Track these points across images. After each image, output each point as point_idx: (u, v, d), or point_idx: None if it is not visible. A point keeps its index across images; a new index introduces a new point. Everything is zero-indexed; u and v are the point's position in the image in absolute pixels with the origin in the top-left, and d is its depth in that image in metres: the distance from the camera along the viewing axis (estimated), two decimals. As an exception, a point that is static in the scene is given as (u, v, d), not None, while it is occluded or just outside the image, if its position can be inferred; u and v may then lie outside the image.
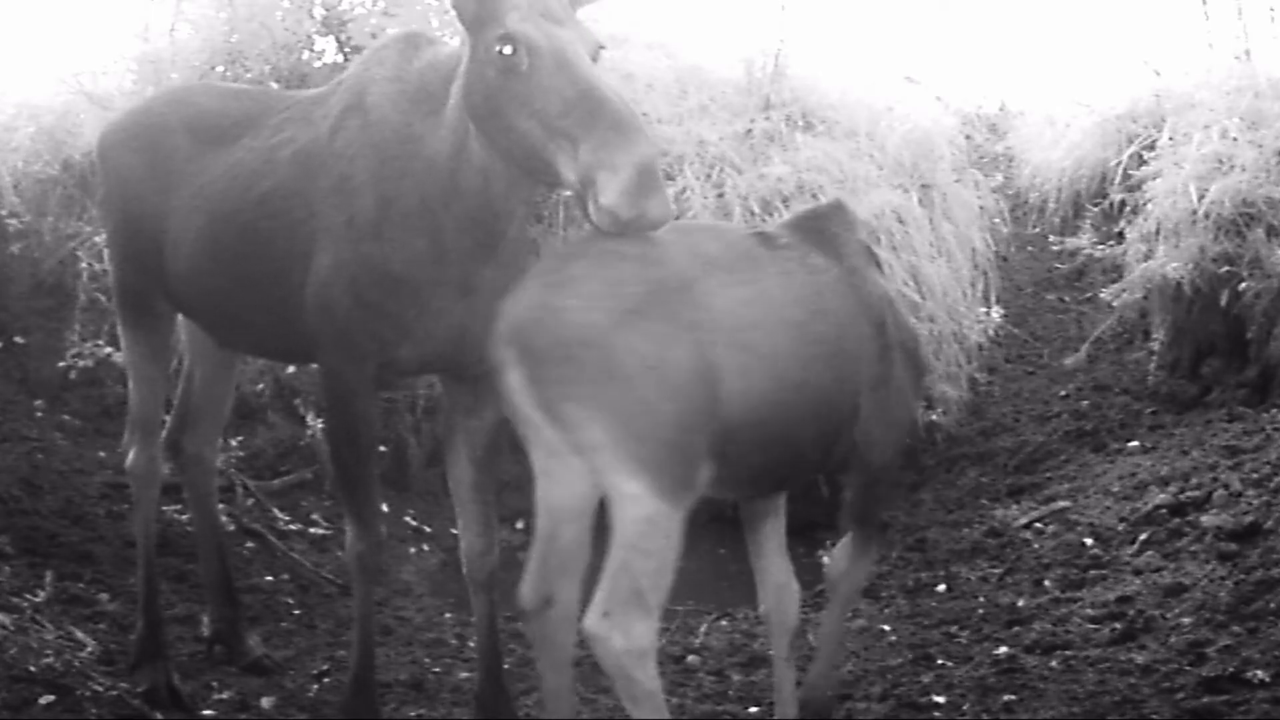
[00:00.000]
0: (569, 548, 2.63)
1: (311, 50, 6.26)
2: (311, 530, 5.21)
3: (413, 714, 3.51)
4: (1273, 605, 3.65)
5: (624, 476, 2.39)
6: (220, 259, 3.22)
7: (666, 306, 2.45)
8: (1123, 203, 6.83)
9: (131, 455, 3.63)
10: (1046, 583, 4.38)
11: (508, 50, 2.54)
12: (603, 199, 2.38)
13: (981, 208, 6.86)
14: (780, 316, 2.66)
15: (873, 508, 3.09)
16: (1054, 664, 3.62)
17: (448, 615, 4.56)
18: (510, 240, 2.94)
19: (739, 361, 2.52)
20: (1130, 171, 6.90)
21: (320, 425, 5.37)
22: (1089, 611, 4.00)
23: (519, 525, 5.68)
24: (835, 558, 3.10)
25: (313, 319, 3.00)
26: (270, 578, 4.66)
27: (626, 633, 2.38)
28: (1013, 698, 3.40)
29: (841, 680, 3.70)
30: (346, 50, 6.12)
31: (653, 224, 2.42)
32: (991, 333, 6.60)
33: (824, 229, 2.95)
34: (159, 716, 3.30)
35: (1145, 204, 6.37)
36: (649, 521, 2.40)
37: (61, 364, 5.63)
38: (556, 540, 2.62)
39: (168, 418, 3.82)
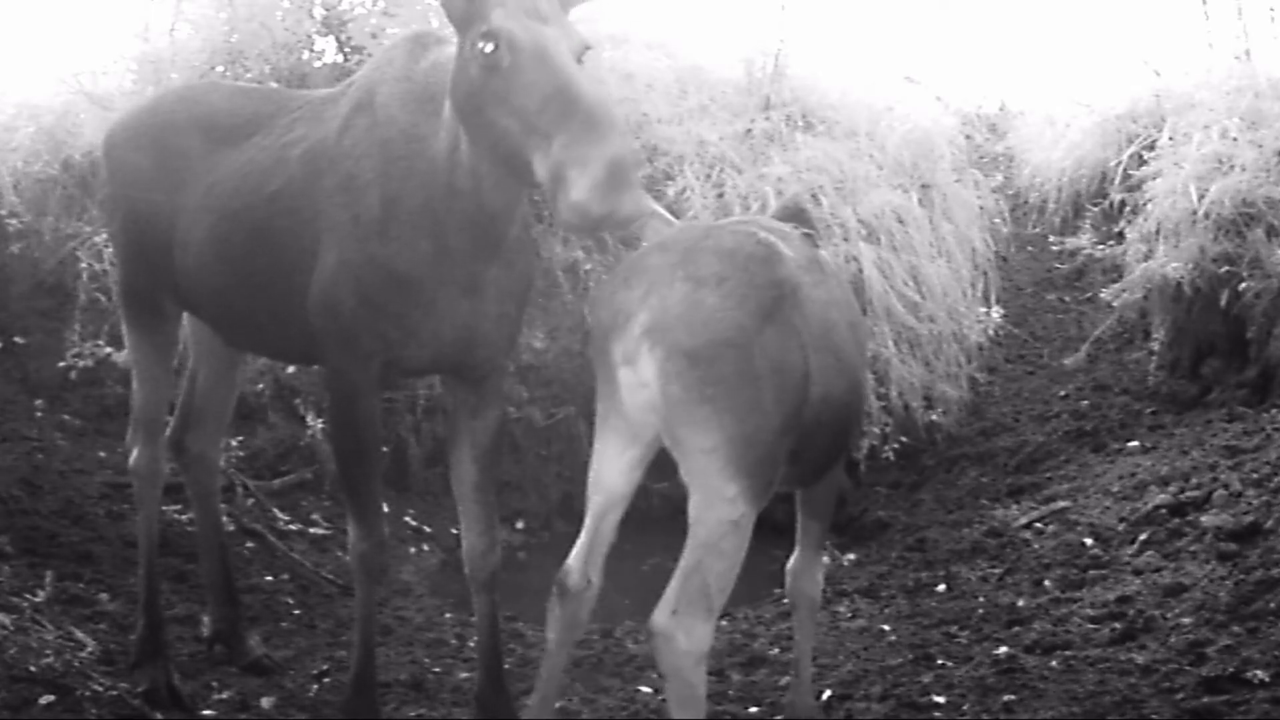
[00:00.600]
0: (609, 530, 2.71)
1: (311, 50, 6.26)
2: (311, 530, 5.21)
3: (413, 714, 3.51)
4: (1273, 605, 3.65)
5: (725, 480, 2.40)
6: (230, 257, 3.22)
7: (786, 310, 2.48)
8: (1123, 203, 6.83)
9: (135, 454, 3.63)
10: (1046, 583, 4.38)
11: (489, 47, 2.53)
12: (573, 194, 2.35)
13: (981, 208, 6.86)
14: (843, 317, 2.73)
15: (832, 498, 3.14)
16: (1054, 664, 3.62)
17: (448, 615, 4.56)
18: (513, 240, 2.95)
19: (821, 364, 2.56)
20: (1130, 171, 6.90)
21: (320, 425, 5.37)
22: (1089, 611, 4.00)
23: (519, 525, 5.69)
24: (793, 572, 3.15)
25: (317, 318, 3.00)
26: (270, 578, 4.65)
27: (689, 633, 2.40)
28: (1013, 698, 3.40)
29: (841, 680, 3.71)
30: (346, 50, 6.12)
31: (624, 221, 2.39)
32: (991, 333, 6.61)
33: (808, 224, 2.99)
34: (159, 716, 3.29)
35: (1145, 204, 6.37)
36: (735, 524, 2.42)
37: (61, 364, 5.63)
38: (606, 520, 2.68)
39: (170, 417, 3.82)
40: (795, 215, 3.00)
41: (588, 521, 2.70)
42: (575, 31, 2.64)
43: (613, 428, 2.61)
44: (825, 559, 5.34)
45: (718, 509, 2.41)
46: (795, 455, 2.57)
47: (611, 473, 2.65)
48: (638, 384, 2.46)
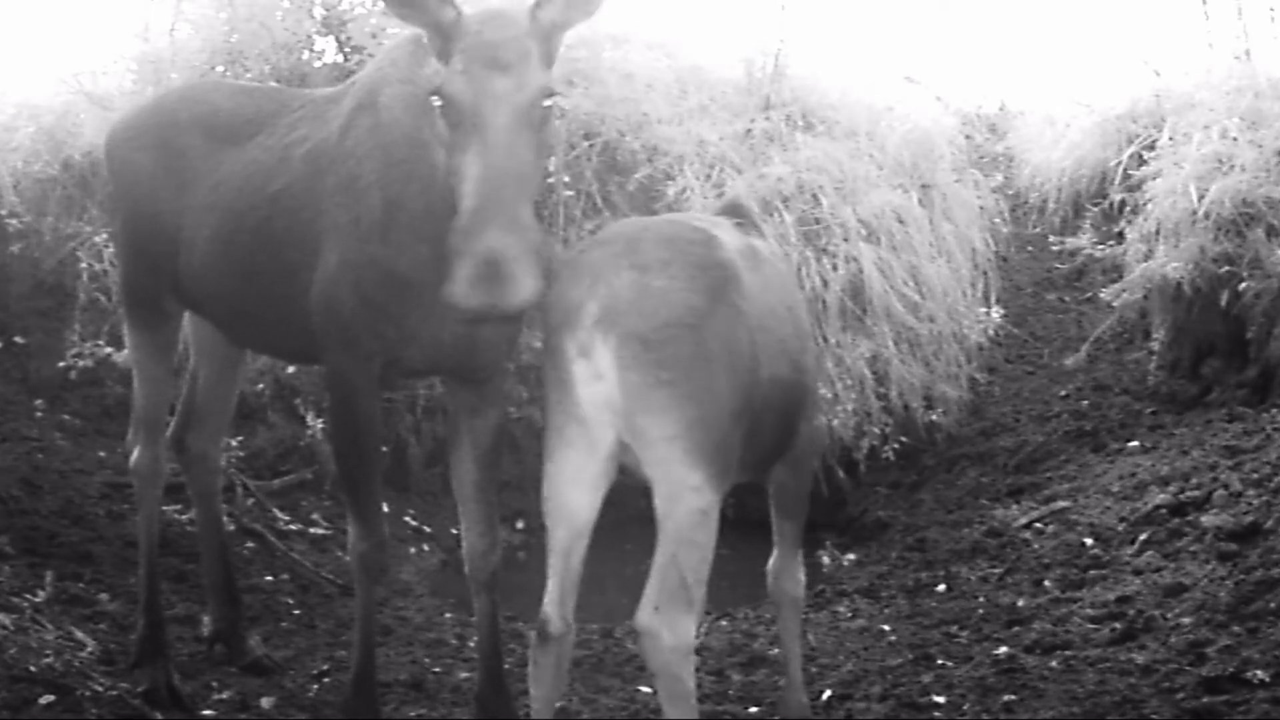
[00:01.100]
0: (578, 565, 2.62)
1: (311, 50, 6.26)
2: (311, 530, 5.22)
3: (413, 714, 3.51)
4: (1273, 605, 3.64)
5: (689, 467, 2.40)
6: (233, 257, 3.22)
7: (730, 292, 2.50)
8: (1123, 203, 6.83)
9: (136, 454, 3.63)
10: (1046, 583, 4.38)
11: (438, 104, 2.54)
12: (451, 286, 2.38)
13: (981, 208, 6.85)
14: (781, 301, 2.76)
15: (803, 495, 3.13)
16: (1054, 664, 3.62)
17: (448, 615, 4.56)
18: None
19: (765, 345, 2.58)
20: (1130, 171, 6.89)
21: (320, 425, 5.37)
22: (1089, 611, 4.00)
23: (519, 525, 5.69)
24: (773, 573, 3.16)
25: (318, 318, 3.00)
26: (270, 578, 4.66)
27: (673, 629, 2.40)
28: (1013, 698, 3.40)
29: (841, 680, 3.71)
30: (346, 50, 6.12)
31: (504, 312, 2.42)
32: (991, 333, 6.60)
33: (745, 219, 3.01)
34: (159, 716, 3.29)
35: (1145, 204, 6.36)
36: (703, 513, 2.42)
37: (61, 364, 5.63)
38: (573, 556, 2.60)
39: (172, 416, 3.82)
40: (735, 211, 3.04)
41: (555, 561, 2.59)
42: (538, 77, 2.55)
43: (568, 440, 2.53)
44: (825, 559, 5.40)
45: (685, 500, 2.41)
46: (745, 440, 2.57)
47: (573, 496, 2.55)
48: (593, 377, 2.45)
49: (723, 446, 2.44)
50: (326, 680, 3.73)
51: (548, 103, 2.56)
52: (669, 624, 2.39)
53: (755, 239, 2.88)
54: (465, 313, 2.43)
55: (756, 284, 2.64)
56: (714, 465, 2.42)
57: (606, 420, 2.46)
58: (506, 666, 3.43)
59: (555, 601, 2.59)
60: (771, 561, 3.16)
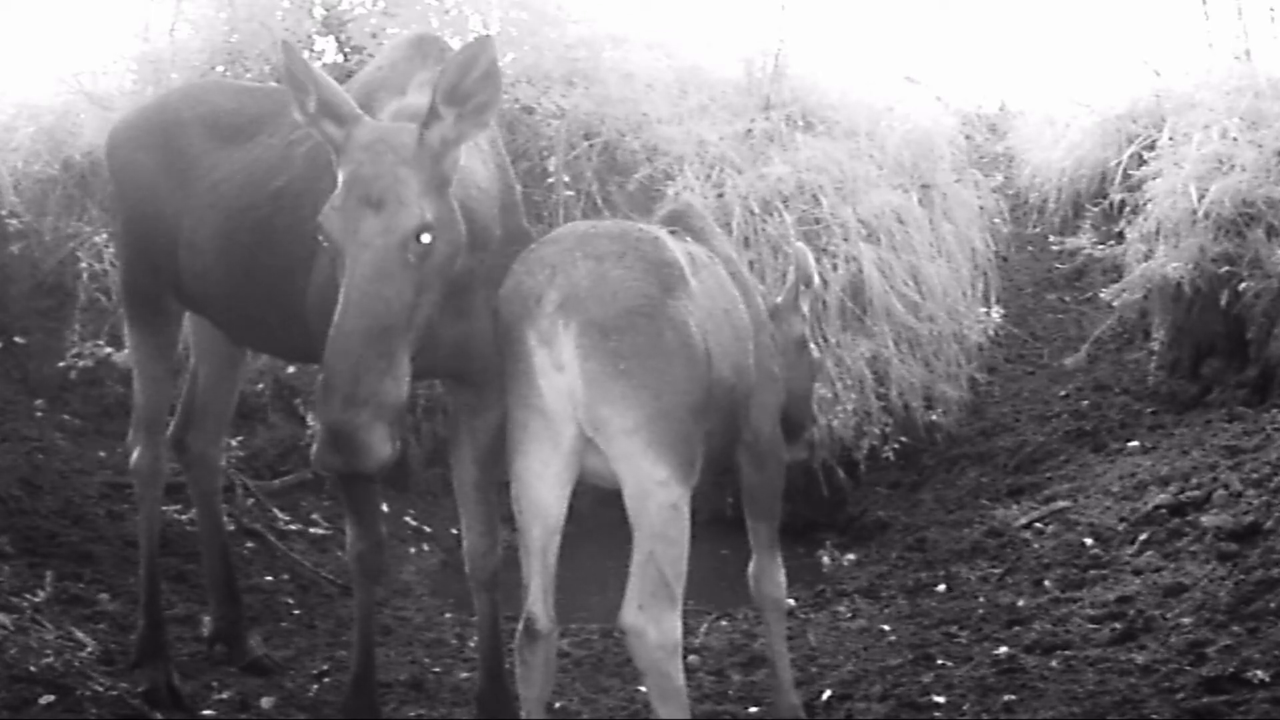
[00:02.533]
0: (553, 563, 2.63)
1: (311, 50, 6.26)
2: (311, 530, 5.22)
3: (413, 714, 3.51)
4: (1273, 605, 3.64)
5: (653, 461, 2.41)
6: (234, 256, 3.21)
7: (681, 290, 2.53)
8: (1123, 203, 6.83)
9: (136, 454, 3.63)
10: (1046, 583, 4.38)
11: (322, 240, 2.47)
12: (313, 447, 2.37)
13: (981, 208, 6.86)
14: (720, 305, 2.78)
15: (773, 496, 3.15)
16: (1054, 664, 3.62)
17: (448, 615, 4.56)
18: (500, 258, 2.88)
19: (712, 347, 2.60)
20: (1130, 171, 6.90)
21: (320, 425, 5.37)
22: (1089, 611, 4.00)
23: (519, 525, 5.69)
24: (753, 576, 3.19)
25: (314, 319, 2.99)
26: (270, 578, 4.66)
27: (659, 625, 2.41)
28: (1013, 698, 3.40)
29: (841, 680, 3.71)
30: (346, 50, 6.12)
31: (360, 474, 2.41)
32: (991, 333, 6.61)
33: (691, 225, 3.04)
34: (159, 716, 3.29)
35: (1145, 204, 6.37)
36: (674, 508, 2.43)
37: (61, 364, 5.63)
38: (549, 553, 2.61)
39: (171, 416, 3.82)
40: (678, 219, 3.07)
41: (533, 561, 2.59)
42: (412, 215, 2.38)
43: (533, 435, 2.52)
44: (825, 559, 5.41)
45: (655, 496, 2.42)
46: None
47: (544, 493, 2.55)
48: (555, 367, 2.45)
49: (685, 440, 2.46)
50: (326, 680, 3.74)
51: (427, 238, 2.40)
52: (654, 621, 2.40)
53: (691, 246, 2.90)
54: (326, 474, 2.40)
55: (698, 288, 2.67)
56: (678, 459, 2.43)
57: (568, 413, 2.47)
58: (507, 666, 3.43)
59: (539, 600, 2.60)
60: (751, 566, 3.19)
